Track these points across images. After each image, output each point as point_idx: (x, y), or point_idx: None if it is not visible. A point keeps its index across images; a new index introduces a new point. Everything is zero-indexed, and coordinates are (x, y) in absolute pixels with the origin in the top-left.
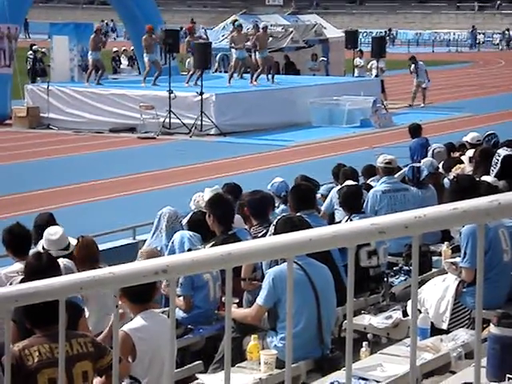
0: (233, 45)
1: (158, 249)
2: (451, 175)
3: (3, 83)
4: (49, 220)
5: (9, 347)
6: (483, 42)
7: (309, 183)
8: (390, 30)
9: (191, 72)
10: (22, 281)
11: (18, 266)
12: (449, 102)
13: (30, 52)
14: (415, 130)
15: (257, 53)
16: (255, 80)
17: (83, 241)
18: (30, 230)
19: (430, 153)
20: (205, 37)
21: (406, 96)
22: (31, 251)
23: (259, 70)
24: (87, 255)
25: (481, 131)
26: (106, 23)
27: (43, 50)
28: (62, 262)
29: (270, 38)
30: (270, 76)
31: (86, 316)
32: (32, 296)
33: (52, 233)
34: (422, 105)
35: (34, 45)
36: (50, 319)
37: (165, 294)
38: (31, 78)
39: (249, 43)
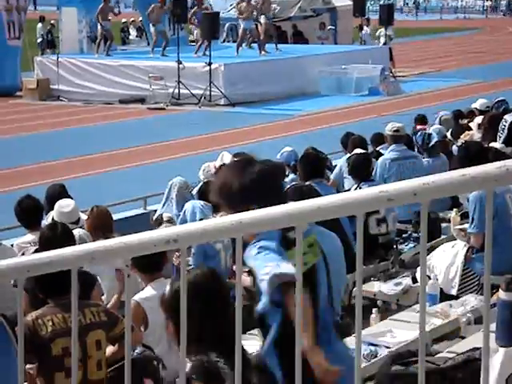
0: (240, 15)
1: (172, 217)
2: (460, 142)
3: (13, 55)
4: (61, 191)
5: (21, 317)
6: (491, 9)
7: (317, 153)
8: None
9: (199, 42)
10: (36, 251)
11: (30, 236)
12: (457, 68)
13: (40, 24)
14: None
15: (261, 17)
16: (263, 50)
17: (97, 210)
18: (40, 201)
19: (437, 120)
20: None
21: (415, 64)
22: (43, 222)
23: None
24: (101, 225)
25: (489, 98)
26: None
27: (52, 21)
28: (77, 231)
29: (278, 7)
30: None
31: None
32: (44, 266)
33: (64, 205)
34: None
35: (44, 17)
36: (63, 289)
37: (176, 264)
38: (41, 50)
39: (254, 13)
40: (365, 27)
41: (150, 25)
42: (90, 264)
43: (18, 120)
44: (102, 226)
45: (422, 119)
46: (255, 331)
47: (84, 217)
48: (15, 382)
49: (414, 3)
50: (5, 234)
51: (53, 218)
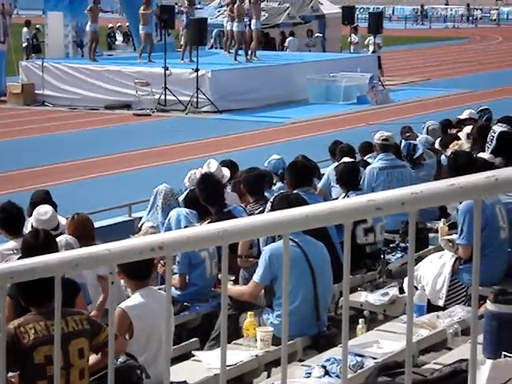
0: (233, 18)
1: (155, 225)
2: (448, 152)
3: None
4: (45, 197)
5: (4, 324)
6: (480, 18)
7: (306, 161)
8: (422, 6)
9: (183, 48)
10: (20, 259)
11: (13, 243)
12: (446, 78)
13: (26, 29)
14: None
15: (252, 22)
16: (254, 56)
17: (78, 218)
18: (21, 207)
19: (424, 130)
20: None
21: (404, 72)
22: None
23: (253, 44)
24: (82, 232)
25: (477, 108)
26: None
27: (37, 26)
28: (64, 237)
29: (266, 14)
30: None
31: None
32: (27, 272)
33: (42, 212)
34: None
35: (30, 21)
36: (46, 296)
37: (161, 273)
38: (26, 54)
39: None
40: (353, 35)
41: (140, 26)
42: (74, 271)
43: (1, 125)
44: (84, 233)
45: (407, 131)
46: (240, 341)
47: (63, 222)
48: None
49: (421, 12)
50: None
51: (32, 226)
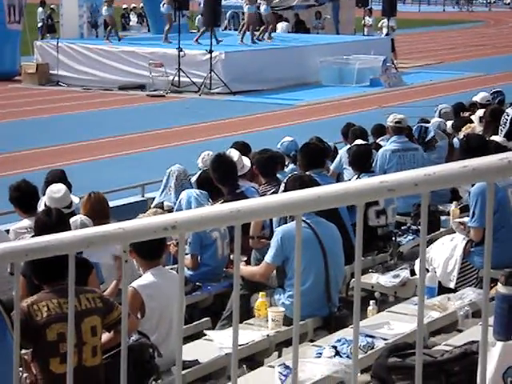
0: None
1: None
2: (461, 135)
3: (13, 39)
4: (61, 176)
5: (18, 301)
6: (494, 2)
7: (318, 142)
8: None
9: (202, 30)
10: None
11: (27, 222)
12: (459, 61)
13: (41, 9)
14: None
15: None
16: (269, 37)
17: (94, 196)
18: (36, 186)
19: (437, 113)
20: None
21: (417, 55)
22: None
23: (263, 27)
24: (98, 211)
25: (491, 91)
26: None
27: (52, 6)
28: (79, 217)
29: None
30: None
31: None
32: (41, 250)
33: (55, 190)
34: None
35: (45, 1)
36: (59, 275)
37: (173, 253)
38: (41, 34)
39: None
40: (367, 17)
41: (166, 4)
42: (88, 249)
43: (16, 105)
44: (99, 212)
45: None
46: (251, 321)
47: (76, 200)
48: (11, 367)
49: None
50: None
51: (45, 204)
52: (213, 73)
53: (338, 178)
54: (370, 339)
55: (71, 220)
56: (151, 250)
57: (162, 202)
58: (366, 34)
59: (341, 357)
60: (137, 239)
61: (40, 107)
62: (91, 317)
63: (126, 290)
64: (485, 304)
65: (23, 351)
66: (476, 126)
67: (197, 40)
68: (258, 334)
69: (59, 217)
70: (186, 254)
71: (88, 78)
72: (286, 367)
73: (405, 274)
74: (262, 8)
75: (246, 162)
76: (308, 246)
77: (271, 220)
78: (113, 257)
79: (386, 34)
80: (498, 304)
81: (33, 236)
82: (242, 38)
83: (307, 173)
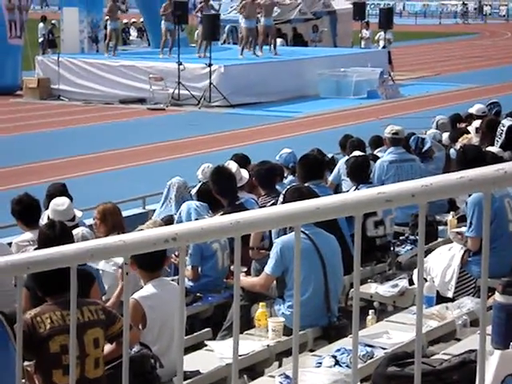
0: (243, 14)
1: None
2: (458, 146)
3: (14, 54)
4: (62, 190)
5: (21, 314)
6: (490, 14)
7: (318, 154)
8: None
9: (199, 43)
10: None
11: (29, 235)
12: (455, 73)
13: (42, 24)
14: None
15: (262, 20)
16: (260, 50)
17: (109, 207)
18: (38, 199)
19: (434, 124)
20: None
21: (414, 67)
22: (40, 221)
23: (261, 39)
24: (115, 222)
25: (487, 103)
26: None
27: (53, 21)
28: (80, 230)
29: (278, 10)
30: (272, 46)
31: None
32: (43, 263)
33: (59, 203)
34: None
35: (46, 16)
36: (62, 287)
37: (175, 263)
38: (42, 49)
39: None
40: (364, 30)
41: (162, 22)
42: (89, 261)
43: (17, 119)
44: (116, 223)
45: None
46: (251, 331)
47: (79, 214)
48: (13, 379)
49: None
50: (1, 232)
51: (48, 217)
52: (212, 86)
53: (337, 189)
54: (369, 349)
55: (73, 232)
56: (152, 262)
57: (172, 215)
58: (363, 46)
59: (340, 366)
60: (138, 251)
61: (41, 121)
62: (94, 329)
63: (128, 301)
64: (482, 313)
65: (26, 363)
66: (472, 137)
67: (204, 55)
68: (258, 344)
69: (63, 230)
70: (187, 266)
71: (89, 92)
72: (287, 377)
73: (403, 283)
74: (263, 21)
75: (244, 173)
76: (307, 257)
77: (270, 231)
78: (116, 265)
79: (383, 47)
80: (496, 313)
81: (36, 249)
82: (242, 52)
83: (306, 184)
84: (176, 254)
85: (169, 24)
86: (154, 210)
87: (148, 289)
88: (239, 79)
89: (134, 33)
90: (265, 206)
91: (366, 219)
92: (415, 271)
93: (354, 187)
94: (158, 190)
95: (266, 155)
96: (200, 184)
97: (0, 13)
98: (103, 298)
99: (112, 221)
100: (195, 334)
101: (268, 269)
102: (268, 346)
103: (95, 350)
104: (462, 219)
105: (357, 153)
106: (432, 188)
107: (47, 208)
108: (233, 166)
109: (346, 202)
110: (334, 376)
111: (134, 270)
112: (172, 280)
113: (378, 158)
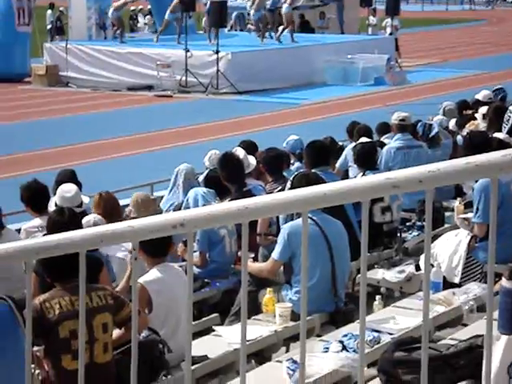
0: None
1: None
2: (464, 132)
3: (22, 41)
4: (71, 176)
5: (30, 299)
6: (497, 0)
7: (330, 142)
8: None
9: (208, 30)
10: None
11: (38, 221)
12: (462, 59)
13: (50, 11)
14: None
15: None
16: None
17: (105, 196)
18: (46, 186)
19: (441, 110)
20: None
21: (421, 54)
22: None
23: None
24: (110, 210)
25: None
26: None
27: (61, 8)
28: (92, 217)
29: None
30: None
31: None
32: (52, 248)
33: (66, 190)
34: None
35: (54, 3)
36: (70, 272)
37: (181, 254)
38: (50, 36)
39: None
40: (371, 17)
41: (168, 12)
42: (98, 247)
43: (26, 106)
44: (111, 211)
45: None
46: (259, 316)
47: (86, 200)
48: (23, 364)
49: None
50: (10, 218)
51: (56, 204)
52: (219, 73)
53: (344, 175)
54: (376, 334)
55: (84, 220)
56: (158, 248)
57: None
58: (370, 33)
59: (347, 351)
60: (146, 237)
61: (49, 108)
62: (102, 314)
63: (136, 287)
64: (489, 298)
65: (35, 348)
66: (479, 124)
67: (215, 41)
68: (265, 330)
69: (71, 216)
70: (195, 252)
71: (97, 79)
72: (294, 362)
73: (410, 269)
74: (284, 7)
75: (252, 160)
76: (314, 243)
77: (278, 217)
78: (126, 251)
79: (390, 34)
80: (503, 298)
81: (44, 235)
82: (279, 37)
83: (313, 170)
84: (184, 240)
85: (173, 15)
86: (162, 197)
87: (153, 273)
88: (246, 66)
89: (141, 20)
90: (272, 193)
91: (373, 205)
92: (422, 257)
93: (361, 173)
94: (166, 177)
95: (273, 142)
96: (207, 171)
97: (8, 0)
98: (113, 284)
99: (108, 209)
100: (203, 319)
101: (275, 254)
102: (275, 331)
103: (104, 335)
104: (468, 205)
105: (364, 139)
106: (439, 174)
107: (56, 194)
108: (240, 152)
109: (353, 188)
110: (341, 361)
111: (140, 256)
112: (180, 266)
113: (384, 144)
